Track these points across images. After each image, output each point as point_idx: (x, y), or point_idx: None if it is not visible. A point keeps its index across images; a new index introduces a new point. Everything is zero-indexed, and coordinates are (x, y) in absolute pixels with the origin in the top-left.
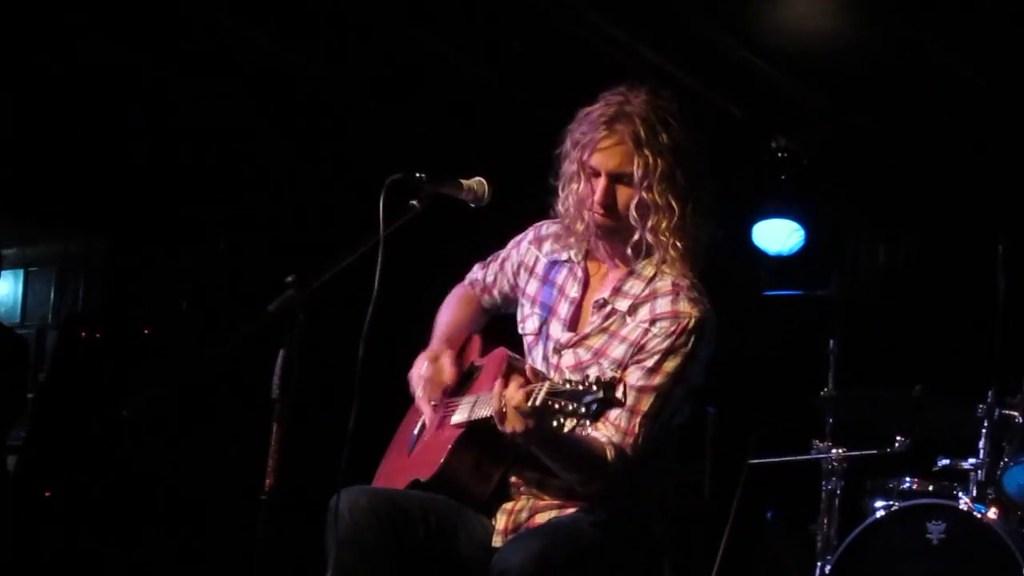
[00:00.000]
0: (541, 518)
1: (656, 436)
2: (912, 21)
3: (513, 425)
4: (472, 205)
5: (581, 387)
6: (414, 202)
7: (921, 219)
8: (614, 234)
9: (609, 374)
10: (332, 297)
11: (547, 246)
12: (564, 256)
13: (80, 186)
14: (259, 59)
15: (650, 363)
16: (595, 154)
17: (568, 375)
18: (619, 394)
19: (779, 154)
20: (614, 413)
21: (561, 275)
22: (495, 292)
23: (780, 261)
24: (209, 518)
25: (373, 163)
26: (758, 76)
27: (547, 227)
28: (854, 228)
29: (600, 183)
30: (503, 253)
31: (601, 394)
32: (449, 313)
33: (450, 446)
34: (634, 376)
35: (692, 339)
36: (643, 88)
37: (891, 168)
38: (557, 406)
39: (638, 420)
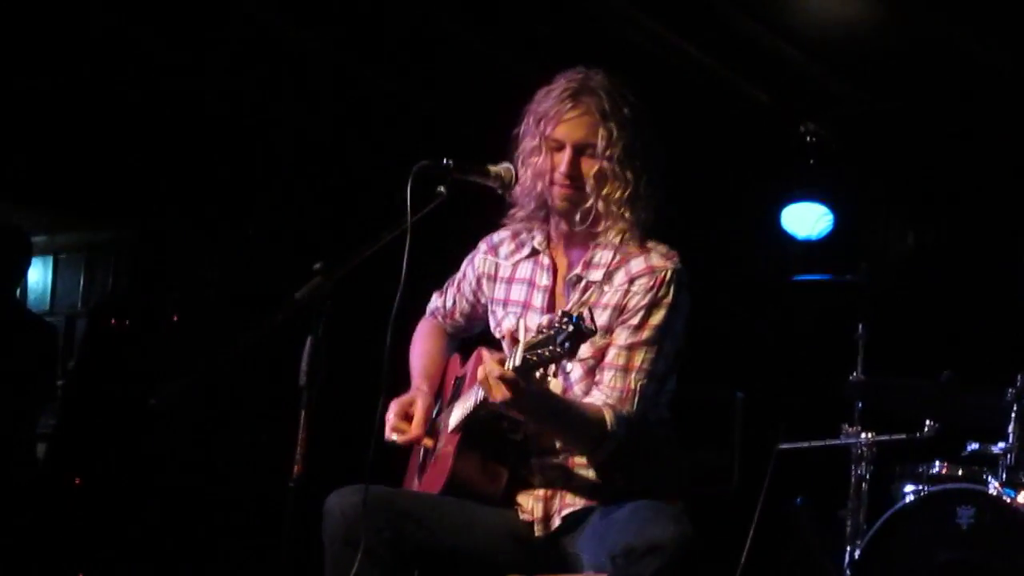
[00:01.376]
0: (572, 500)
1: (653, 395)
2: (939, 6)
3: (500, 392)
4: (500, 191)
5: (552, 330)
6: (441, 188)
7: (949, 204)
8: (575, 207)
9: (566, 310)
10: (360, 284)
11: (504, 249)
12: (526, 251)
13: (109, 174)
14: (288, 47)
15: (635, 320)
16: (560, 126)
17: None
18: (587, 322)
19: (807, 138)
20: (608, 375)
21: (527, 269)
22: (457, 315)
23: (809, 246)
24: (237, 505)
25: (401, 150)
26: (786, 61)
27: (497, 234)
28: (883, 213)
29: (565, 155)
30: (457, 276)
31: (570, 328)
32: (421, 351)
33: (453, 453)
34: (622, 336)
35: (671, 289)
36: (599, 70)
37: (919, 153)
38: (535, 357)
39: (632, 376)
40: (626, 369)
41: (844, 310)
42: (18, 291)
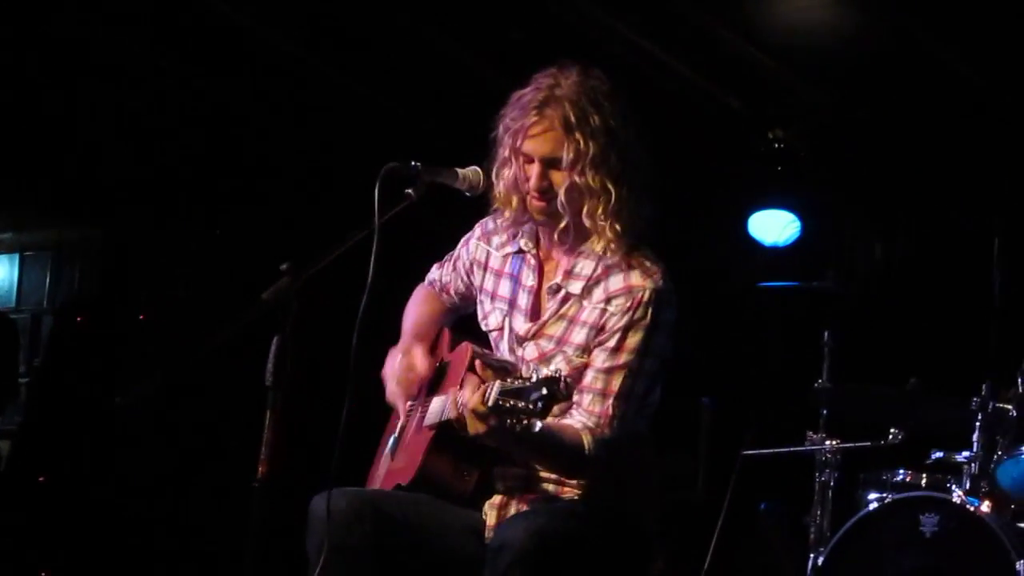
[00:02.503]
0: (521, 507)
1: (633, 415)
2: (910, 15)
3: (474, 428)
4: (467, 194)
5: (528, 384)
6: (409, 191)
7: (917, 213)
8: (553, 218)
9: (550, 370)
10: (327, 285)
11: (496, 239)
12: (516, 247)
13: (76, 172)
14: (255, 46)
15: (612, 342)
16: (527, 140)
17: (522, 372)
18: (562, 387)
19: (776, 145)
20: (587, 399)
21: (516, 265)
22: (452, 292)
23: (776, 253)
24: (202, 505)
25: (369, 151)
26: (756, 68)
27: (492, 221)
28: (850, 220)
29: (534, 168)
30: (454, 252)
31: (544, 391)
32: (414, 311)
33: (424, 449)
34: (599, 359)
35: (650, 311)
36: (575, 68)
37: (888, 161)
38: (508, 405)
39: (611, 402)
40: (604, 393)
41: (810, 317)
42: None
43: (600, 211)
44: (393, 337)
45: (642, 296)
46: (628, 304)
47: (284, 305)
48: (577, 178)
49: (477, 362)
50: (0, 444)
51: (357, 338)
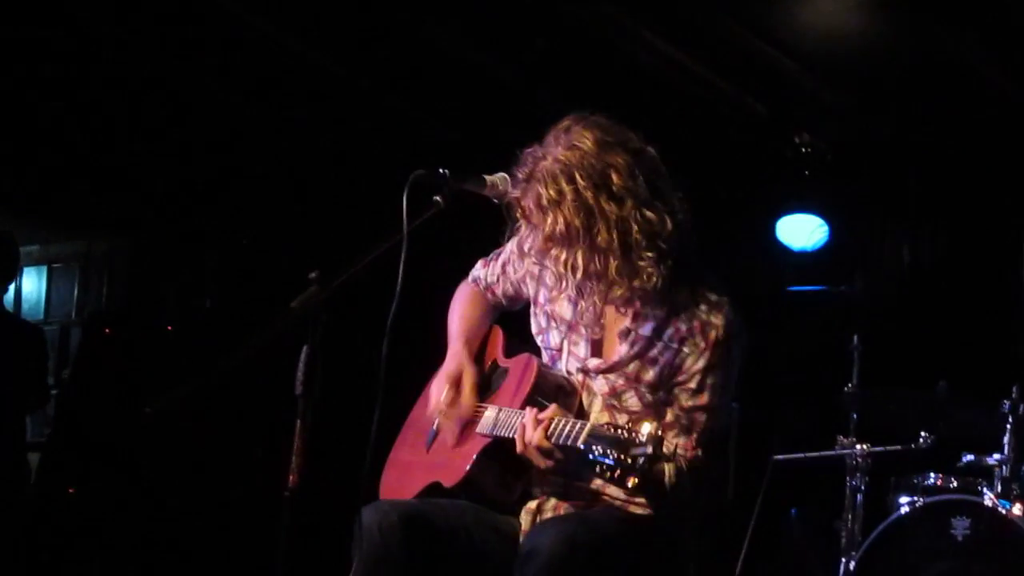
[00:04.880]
0: (554, 510)
1: (713, 446)
2: (937, 20)
3: (542, 462)
4: (496, 201)
5: (627, 436)
6: (437, 198)
7: (945, 216)
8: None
9: (651, 427)
10: (356, 294)
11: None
12: None
13: (105, 184)
14: (283, 57)
15: (693, 384)
16: (519, 208)
17: (614, 419)
18: (667, 450)
19: (803, 150)
20: (670, 433)
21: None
22: (498, 292)
23: (804, 257)
24: (233, 516)
25: (397, 160)
26: (783, 73)
27: None
28: (878, 224)
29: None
30: (503, 254)
31: (650, 449)
32: (460, 315)
33: (474, 457)
34: (682, 398)
35: (725, 348)
36: (570, 133)
37: (915, 165)
38: (599, 450)
39: (695, 437)
40: (689, 430)
41: (839, 321)
42: (4, 297)
43: (594, 283)
44: (423, 345)
45: (717, 335)
46: (703, 345)
47: (313, 314)
48: (555, 251)
49: (553, 383)
50: (30, 456)
51: (387, 346)
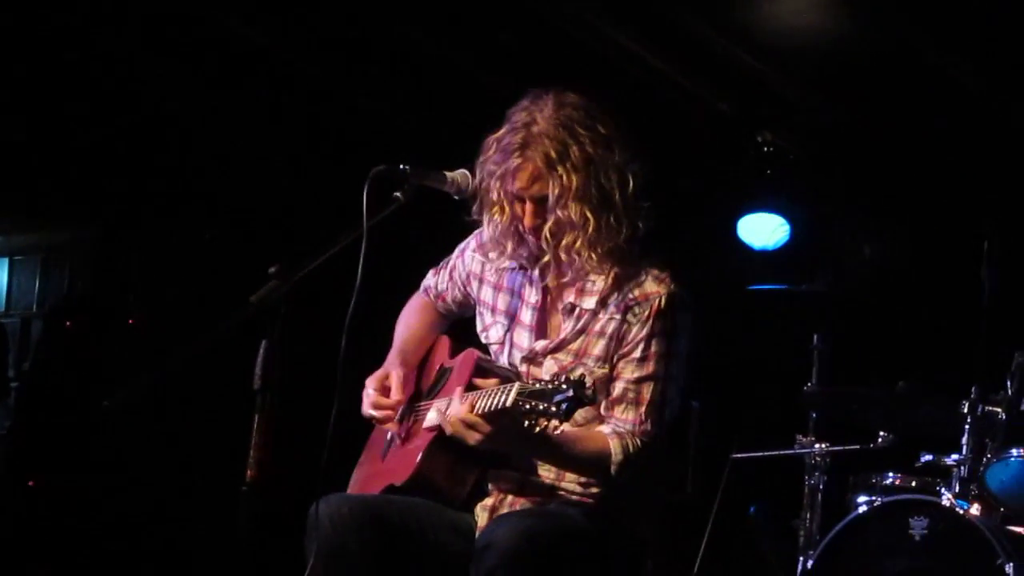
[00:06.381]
0: (511, 505)
1: (665, 421)
2: (900, 18)
3: (471, 436)
4: (456, 197)
5: (551, 386)
6: (398, 194)
7: (907, 215)
8: (553, 250)
9: (580, 372)
10: (315, 288)
11: (493, 252)
12: (514, 263)
13: (66, 175)
14: (245, 49)
15: (638, 353)
16: (515, 182)
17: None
18: (588, 392)
19: (765, 148)
20: (619, 408)
21: (517, 281)
22: (448, 299)
23: (765, 256)
24: (192, 509)
25: (358, 154)
26: (745, 71)
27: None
28: (840, 223)
29: (527, 208)
30: (451, 260)
31: (571, 392)
32: (405, 325)
33: (422, 451)
34: (628, 370)
35: (668, 315)
36: (548, 98)
37: (877, 164)
38: (528, 406)
39: (644, 409)
40: (637, 402)
41: (800, 320)
42: None
43: (578, 243)
44: (383, 340)
45: (659, 303)
46: (647, 313)
47: (273, 308)
48: (560, 212)
49: (494, 367)
50: None
51: (346, 341)
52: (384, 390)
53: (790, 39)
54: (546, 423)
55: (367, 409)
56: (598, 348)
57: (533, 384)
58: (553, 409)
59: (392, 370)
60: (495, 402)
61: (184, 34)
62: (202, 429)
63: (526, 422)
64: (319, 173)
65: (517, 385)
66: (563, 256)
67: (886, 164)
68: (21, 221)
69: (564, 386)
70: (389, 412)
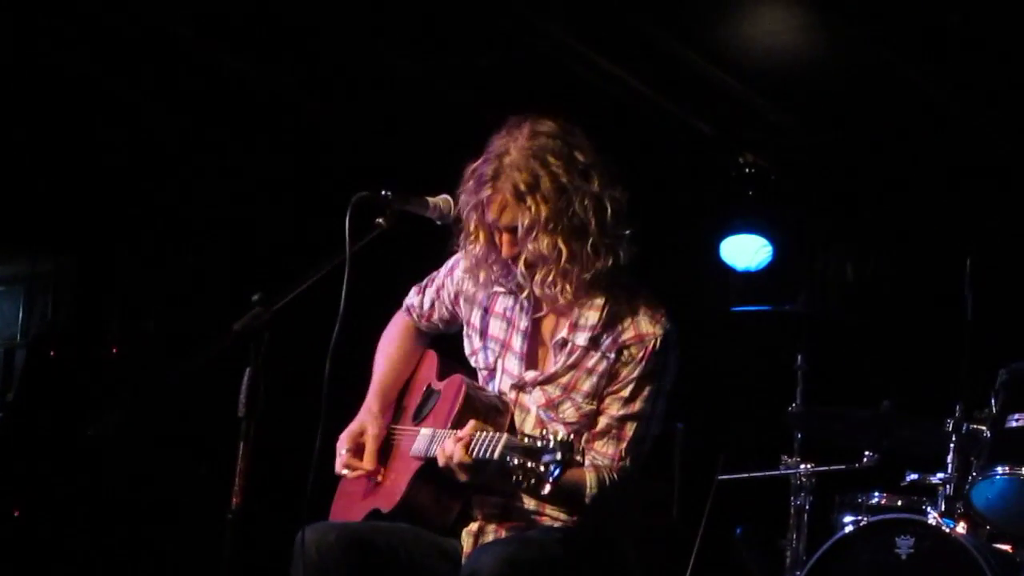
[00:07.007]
0: (496, 532)
1: (642, 456)
2: (880, 39)
3: (463, 476)
4: (438, 223)
5: (539, 444)
6: (380, 220)
7: (889, 235)
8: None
9: (563, 433)
10: (299, 315)
11: (482, 275)
12: (503, 288)
13: (48, 204)
14: (228, 76)
15: (626, 392)
16: (489, 212)
17: (527, 431)
18: (577, 456)
19: (747, 170)
20: (599, 443)
21: (507, 304)
22: (435, 318)
23: (748, 277)
24: (176, 537)
25: (340, 181)
26: (726, 92)
27: None
28: (822, 244)
29: (504, 238)
30: (437, 279)
31: (559, 455)
32: (384, 356)
33: (408, 479)
34: (614, 407)
35: (661, 358)
36: (524, 127)
37: (859, 184)
38: (515, 462)
39: (624, 446)
40: (618, 438)
41: (784, 341)
42: None
43: (552, 275)
44: (366, 367)
45: (654, 345)
46: (641, 354)
47: (256, 336)
48: (530, 245)
49: (482, 400)
50: None
51: (329, 368)
52: (358, 449)
53: (768, 60)
54: (533, 481)
55: (340, 470)
56: (587, 385)
57: (522, 439)
58: (541, 469)
59: (368, 426)
60: (485, 450)
61: (165, 63)
62: (187, 457)
63: (513, 477)
64: (302, 199)
65: (505, 438)
66: (537, 290)
67: (867, 184)
68: (4, 251)
69: (552, 446)
70: (361, 475)
